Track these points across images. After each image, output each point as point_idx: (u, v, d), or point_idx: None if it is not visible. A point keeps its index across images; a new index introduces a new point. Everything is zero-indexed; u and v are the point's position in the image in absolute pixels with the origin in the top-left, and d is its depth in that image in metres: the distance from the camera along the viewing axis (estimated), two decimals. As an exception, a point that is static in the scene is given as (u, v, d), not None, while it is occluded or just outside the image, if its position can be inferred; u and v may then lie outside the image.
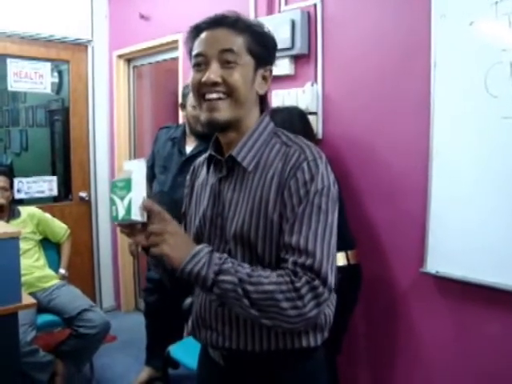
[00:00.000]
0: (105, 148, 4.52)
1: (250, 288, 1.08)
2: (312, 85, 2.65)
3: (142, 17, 3.94)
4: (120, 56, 4.35)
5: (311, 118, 2.58)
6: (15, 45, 3.96)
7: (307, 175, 1.15)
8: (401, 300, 2.38)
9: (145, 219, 1.12)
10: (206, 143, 2.82)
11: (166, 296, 3.09)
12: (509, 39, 1.89)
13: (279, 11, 2.84)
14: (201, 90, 1.21)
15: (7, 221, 3.12)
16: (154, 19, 3.89)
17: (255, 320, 1.14)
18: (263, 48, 1.24)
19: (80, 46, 4.30)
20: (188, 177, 1.48)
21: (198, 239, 1.31)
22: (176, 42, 3.65)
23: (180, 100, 2.96)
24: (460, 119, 2.07)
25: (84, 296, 3.18)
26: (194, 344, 2.64)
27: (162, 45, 3.85)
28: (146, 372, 3.23)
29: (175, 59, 3.76)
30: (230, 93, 1.19)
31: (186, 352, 2.61)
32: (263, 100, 1.32)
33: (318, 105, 2.66)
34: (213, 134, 2.94)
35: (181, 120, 3.45)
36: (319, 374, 1.34)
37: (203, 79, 1.19)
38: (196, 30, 1.25)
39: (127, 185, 1.12)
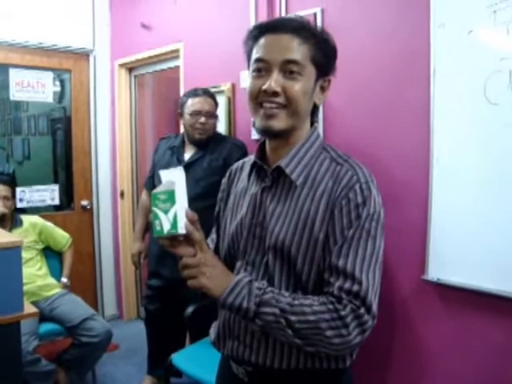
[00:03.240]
0: (107, 156, 4.53)
1: (292, 318, 1.07)
2: (312, 93, 2.65)
3: (144, 26, 3.97)
4: (121, 65, 4.37)
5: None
6: (17, 54, 3.98)
7: (359, 198, 1.12)
8: (402, 307, 2.38)
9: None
10: (204, 151, 2.88)
11: (166, 303, 3.09)
12: (507, 48, 1.89)
13: (279, 20, 2.85)
14: (259, 97, 1.17)
15: (9, 230, 3.13)
16: (156, 28, 3.91)
17: (298, 347, 1.12)
18: (326, 58, 1.20)
19: (82, 55, 4.32)
20: (224, 180, 1.44)
21: (233, 247, 1.29)
22: (177, 50, 3.68)
23: (178, 108, 2.99)
24: (460, 127, 2.07)
25: (86, 305, 3.18)
26: (197, 352, 2.67)
27: (163, 54, 3.87)
28: (147, 381, 3.24)
29: (176, 68, 3.77)
30: (289, 104, 1.15)
31: (188, 361, 2.61)
32: (314, 110, 1.28)
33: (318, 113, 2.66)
34: (208, 142, 2.89)
35: (181, 128, 3.47)
36: None
37: (264, 87, 1.15)
38: (258, 31, 1.20)
39: (171, 197, 1.08)
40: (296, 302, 1.09)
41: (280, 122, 1.16)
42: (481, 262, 2.02)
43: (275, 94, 1.14)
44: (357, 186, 1.13)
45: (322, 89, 1.24)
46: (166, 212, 1.08)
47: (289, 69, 1.14)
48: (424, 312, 2.30)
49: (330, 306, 1.07)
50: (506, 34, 1.89)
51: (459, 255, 2.10)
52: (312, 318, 1.06)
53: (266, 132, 1.20)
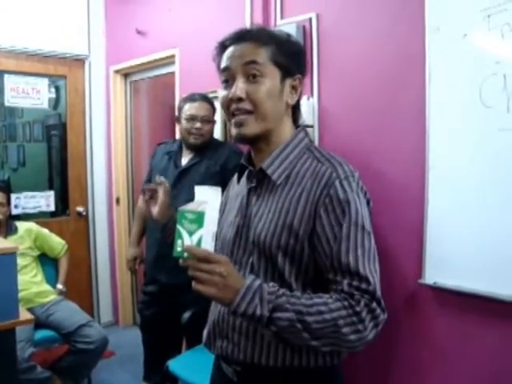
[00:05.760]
0: (102, 163, 4.53)
1: (309, 319, 1.05)
2: (308, 98, 2.66)
3: (139, 32, 3.97)
4: (117, 71, 4.37)
5: (308, 131, 2.59)
6: (12, 60, 3.98)
7: (341, 193, 1.14)
8: (399, 311, 2.37)
9: None
10: (201, 156, 2.88)
11: (162, 309, 3.08)
12: (502, 51, 1.90)
13: (275, 25, 2.86)
14: (229, 106, 1.22)
15: (5, 236, 3.11)
16: (151, 34, 3.92)
17: (314, 349, 1.13)
18: (289, 58, 1.24)
19: (77, 62, 4.33)
20: (226, 189, 1.51)
21: (224, 248, 1.33)
22: (173, 56, 3.68)
23: (176, 113, 2.99)
24: (455, 130, 2.08)
25: (82, 311, 3.17)
26: (193, 359, 2.66)
27: (158, 59, 3.87)
28: (144, 387, 3.22)
29: (172, 74, 3.77)
30: (255, 108, 1.20)
31: (184, 367, 2.60)
32: (295, 110, 1.32)
33: (314, 118, 2.67)
34: (206, 147, 2.96)
35: (177, 133, 3.47)
36: None
37: (230, 95, 1.21)
38: (221, 46, 1.27)
39: (199, 219, 1.02)
40: (310, 302, 1.08)
41: (250, 128, 1.21)
42: (478, 266, 2.02)
43: (240, 99, 1.20)
44: (336, 182, 1.15)
45: (294, 88, 1.27)
46: (190, 234, 1.03)
47: (250, 71, 1.20)
48: (421, 315, 2.29)
49: (345, 303, 1.07)
50: (500, 37, 1.90)
51: (456, 259, 2.10)
52: (328, 316, 1.05)
53: (240, 139, 1.24)
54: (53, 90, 4.36)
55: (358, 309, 1.06)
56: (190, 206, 1.07)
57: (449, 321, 2.19)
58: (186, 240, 1.03)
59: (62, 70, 4.27)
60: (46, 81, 4.21)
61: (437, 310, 2.24)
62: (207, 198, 1.08)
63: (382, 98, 2.40)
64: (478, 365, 2.09)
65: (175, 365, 2.61)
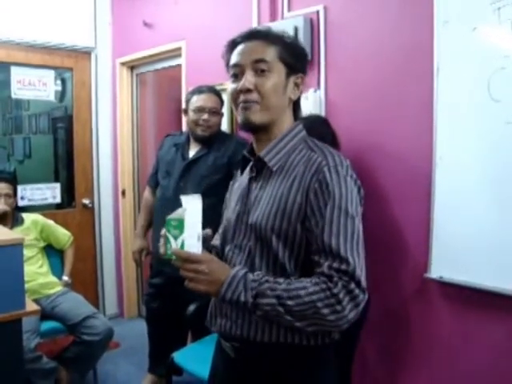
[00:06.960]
0: (108, 155, 4.53)
1: (289, 303, 1.15)
2: (315, 91, 2.65)
3: (146, 24, 3.97)
4: (123, 63, 4.37)
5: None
6: (19, 52, 3.98)
7: (328, 179, 1.22)
8: (405, 305, 2.37)
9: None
10: (209, 148, 2.88)
11: (168, 301, 3.09)
12: (511, 45, 1.89)
13: (282, 18, 2.85)
14: (237, 97, 1.32)
15: (11, 228, 3.12)
16: (157, 26, 3.91)
17: (300, 329, 1.21)
18: (294, 57, 1.35)
19: (83, 54, 4.33)
20: (231, 182, 1.59)
21: (225, 236, 1.44)
22: (179, 49, 3.68)
23: (183, 105, 2.99)
24: (463, 124, 2.07)
25: (87, 303, 3.18)
26: (198, 351, 2.67)
27: (165, 52, 3.87)
28: (148, 379, 3.23)
29: (178, 66, 3.77)
30: (262, 99, 1.30)
31: (189, 358, 2.61)
32: (296, 106, 1.42)
33: (321, 111, 2.66)
34: (213, 140, 3.02)
35: (184, 126, 3.47)
36: (324, 373, 1.37)
37: (238, 87, 1.30)
38: (232, 44, 1.37)
39: (180, 225, 1.16)
40: (291, 287, 1.17)
41: (255, 116, 1.31)
42: (484, 260, 2.02)
43: (248, 91, 1.29)
44: (325, 169, 1.24)
45: (297, 85, 1.37)
46: (175, 238, 1.17)
47: (259, 67, 1.30)
48: (427, 310, 2.29)
49: (323, 286, 1.15)
50: (510, 31, 1.89)
51: (462, 253, 2.09)
52: (307, 299, 1.14)
53: (246, 124, 1.33)
54: (59, 82, 4.36)
55: (335, 291, 1.14)
56: (175, 214, 1.19)
57: (454, 315, 2.19)
58: (172, 244, 1.17)
59: (69, 62, 4.27)
60: (52, 73, 4.21)
61: (442, 304, 2.23)
62: (188, 205, 1.19)
63: (389, 91, 2.39)
64: (484, 359, 2.08)
65: (180, 357, 2.62)
